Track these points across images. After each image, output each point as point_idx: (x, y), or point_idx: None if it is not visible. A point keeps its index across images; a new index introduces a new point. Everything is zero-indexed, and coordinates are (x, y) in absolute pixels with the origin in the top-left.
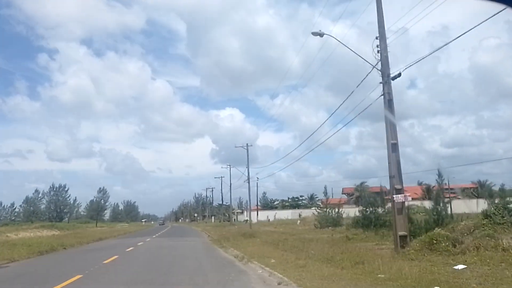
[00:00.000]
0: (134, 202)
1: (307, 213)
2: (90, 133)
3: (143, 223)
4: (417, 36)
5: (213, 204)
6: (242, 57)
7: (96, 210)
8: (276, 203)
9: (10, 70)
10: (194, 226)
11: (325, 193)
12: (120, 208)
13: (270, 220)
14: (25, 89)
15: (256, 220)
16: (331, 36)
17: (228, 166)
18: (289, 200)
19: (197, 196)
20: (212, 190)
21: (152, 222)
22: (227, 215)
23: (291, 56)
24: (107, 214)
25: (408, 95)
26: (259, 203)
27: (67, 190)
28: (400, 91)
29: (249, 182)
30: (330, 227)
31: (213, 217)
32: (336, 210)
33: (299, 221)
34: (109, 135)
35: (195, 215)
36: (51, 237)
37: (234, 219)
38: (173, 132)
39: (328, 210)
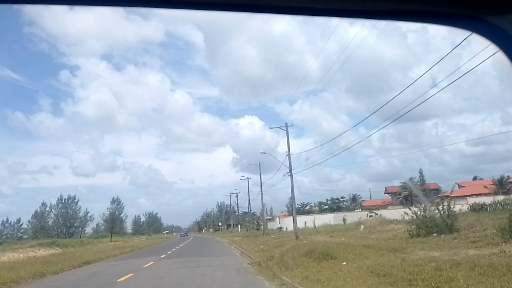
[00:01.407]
0: (156, 213)
1: (352, 216)
2: (113, 147)
3: (165, 234)
4: None
5: (238, 211)
6: (260, 64)
7: (110, 223)
8: (308, 206)
9: (33, 88)
10: (219, 236)
11: (354, 197)
12: (142, 220)
13: (309, 226)
14: (49, 106)
15: (292, 227)
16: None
17: (258, 164)
18: (328, 202)
19: (219, 204)
20: (237, 195)
21: (174, 234)
22: (256, 222)
23: (309, 61)
24: (127, 226)
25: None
26: (285, 209)
27: (77, 202)
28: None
29: (291, 177)
30: (435, 234)
31: (239, 226)
32: (445, 206)
33: (362, 227)
34: (132, 148)
35: (219, 224)
36: (39, 258)
37: (263, 227)
38: (194, 143)
39: (434, 208)
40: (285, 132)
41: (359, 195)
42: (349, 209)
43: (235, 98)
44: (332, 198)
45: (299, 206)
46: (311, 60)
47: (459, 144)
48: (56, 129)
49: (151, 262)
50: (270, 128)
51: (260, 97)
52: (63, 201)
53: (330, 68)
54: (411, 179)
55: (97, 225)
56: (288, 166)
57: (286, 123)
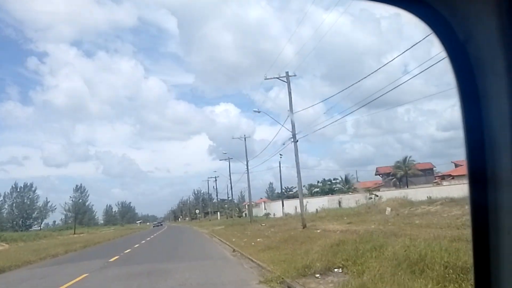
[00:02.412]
0: (130, 203)
1: (348, 199)
2: (85, 136)
3: (138, 224)
4: None
5: (217, 197)
6: (236, 51)
7: (74, 212)
8: (294, 190)
9: (0, 77)
10: (196, 225)
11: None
12: (114, 210)
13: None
14: (17, 95)
15: (282, 214)
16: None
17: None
18: (319, 184)
19: (196, 192)
20: (216, 179)
21: (148, 224)
22: (238, 209)
23: (284, 48)
24: (98, 217)
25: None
26: (265, 195)
27: (34, 190)
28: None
29: (295, 144)
30: None
31: (218, 213)
32: None
33: (389, 209)
34: (105, 137)
35: (197, 211)
36: None
37: (245, 214)
38: (169, 131)
39: None
40: (260, 121)
41: (352, 175)
42: (342, 191)
43: (211, 85)
44: (324, 180)
45: (283, 191)
46: (287, 46)
47: (430, 129)
48: (25, 118)
49: (84, 275)
50: (266, 79)
51: (236, 84)
52: (18, 190)
53: (305, 55)
54: (406, 158)
55: (66, 216)
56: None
57: (287, 72)
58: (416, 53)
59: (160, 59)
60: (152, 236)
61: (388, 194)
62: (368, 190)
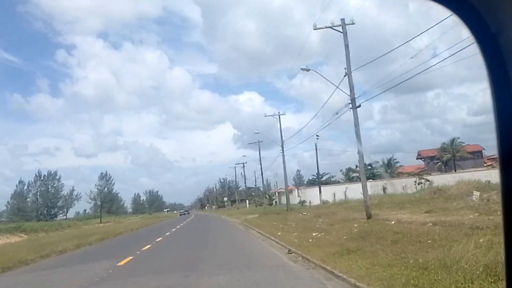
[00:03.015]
0: (157, 191)
1: (394, 184)
2: (113, 127)
3: (166, 213)
4: None
5: (245, 184)
6: (259, 38)
7: (99, 201)
8: (326, 176)
9: (30, 69)
10: (224, 214)
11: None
12: (142, 199)
13: (339, 197)
14: (47, 87)
15: (319, 201)
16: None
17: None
18: (358, 169)
19: (222, 180)
20: (244, 165)
21: (175, 212)
22: (268, 197)
23: (309, 34)
24: (127, 205)
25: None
26: (292, 182)
27: (59, 179)
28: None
29: (355, 110)
30: None
31: (247, 201)
32: None
33: (477, 194)
34: (132, 127)
35: (225, 199)
36: None
37: (276, 202)
38: (194, 120)
39: None
40: (284, 108)
41: (395, 159)
42: (383, 176)
43: (234, 74)
44: (365, 164)
45: (314, 177)
46: (311, 32)
47: (461, 114)
48: (55, 110)
49: None
50: (315, 29)
51: (260, 72)
52: (42, 178)
53: (330, 40)
54: (453, 140)
55: (95, 204)
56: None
57: (343, 20)
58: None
59: (184, 49)
60: (178, 227)
61: (439, 178)
62: (417, 174)
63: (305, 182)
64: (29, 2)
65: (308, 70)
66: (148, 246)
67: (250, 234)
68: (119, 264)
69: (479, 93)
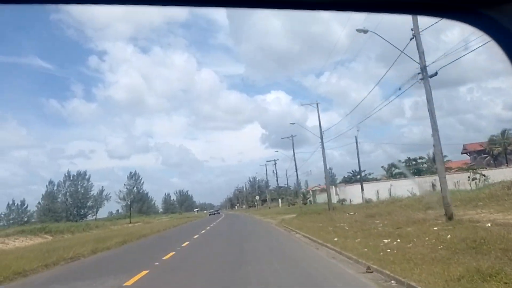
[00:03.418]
0: (187, 191)
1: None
2: (144, 129)
3: (196, 212)
4: None
5: (277, 182)
6: (285, 37)
7: (130, 201)
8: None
9: (64, 76)
10: (257, 214)
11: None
12: (172, 199)
13: (383, 195)
14: (81, 92)
15: (362, 200)
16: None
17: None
18: (401, 163)
19: (251, 180)
20: (275, 162)
21: (205, 212)
22: (302, 195)
23: (335, 31)
24: (158, 205)
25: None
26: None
27: (88, 178)
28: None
29: (427, 82)
30: None
31: (279, 200)
32: None
33: None
34: (162, 129)
35: (256, 198)
36: None
37: (310, 201)
38: (222, 121)
39: None
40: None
41: (445, 155)
42: (431, 172)
43: (261, 74)
44: (408, 159)
45: (350, 175)
46: (338, 29)
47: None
48: (89, 114)
49: None
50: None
51: (286, 71)
52: (71, 178)
53: (357, 36)
54: (505, 131)
55: (126, 204)
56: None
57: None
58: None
59: (211, 51)
60: (208, 228)
61: (496, 173)
62: (472, 169)
63: (337, 181)
64: (61, 10)
65: (366, 32)
66: (172, 254)
67: (296, 239)
68: (126, 283)
69: None
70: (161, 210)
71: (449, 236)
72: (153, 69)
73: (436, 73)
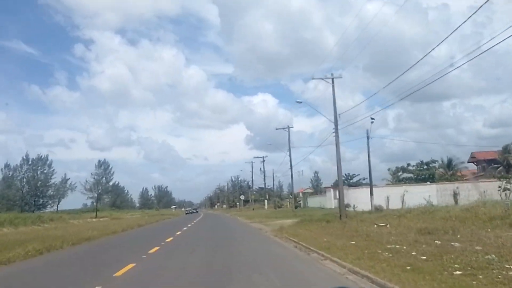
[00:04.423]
0: (166, 187)
1: (465, 189)
2: (127, 122)
3: (173, 210)
4: None
5: (265, 182)
6: (276, 41)
7: (98, 193)
8: (356, 178)
9: (48, 62)
10: (242, 216)
11: (450, 162)
12: (150, 194)
13: (394, 203)
14: (64, 80)
15: (370, 206)
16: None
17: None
18: (411, 167)
19: (233, 179)
20: (264, 160)
21: (183, 209)
22: (293, 197)
23: (326, 38)
24: (135, 200)
25: (449, 75)
26: (310, 185)
27: (50, 164)
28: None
29: None
30: None
31: (266, 201)
32: None
33: None
34: (146, 123)
35: (241, 197)
36: None
37: (301, 204)
38: (207, 119)
39: None
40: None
41: (458, 158)
42: (445, 178)
43: (250, 75)
44: (421, 162)
45: (343, 178)
46: (329, 37)
47: (476, 125)
48: (71, 103)
49: None
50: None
51: (275, 74)
52: (29, 162)
53: (347, 46)
54: None
55: (94, 197)
56: None
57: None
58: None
59: (200, 48)
60: (177, 234)
61: None
62: (505, 177)
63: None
64: None
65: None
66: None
67: (330, 271)
68: None
69: None
70: (137, 205)
71: None
72: (140, 62)
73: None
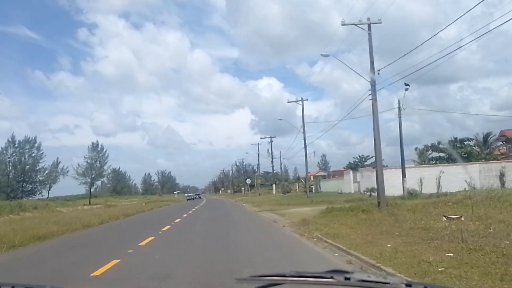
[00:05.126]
0: (169, 172)
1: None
2: (132, 107)
3: (176, 195)
4: None
5: (272, 164)
6: (283, 23)
7: (92, 177)
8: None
9: (51, 47)
10: (248, 203)
11: (486, 138)
12: (153, 180)
13: (429, 185)
14: (68, 65)
15: (401, 191)
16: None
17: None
18: (441, 146)
19: (238, 164)
20: (271, 141)
21: (186, 195)
22: (303, 181)
23: (333, 20)
24: (138, 185)
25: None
26: (318, 168)
27: (38, 147)
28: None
29: None
30: None
31: (274, 185)
32: None
33: None
34: (151, 108)
35: (247, 181)
36: None
37: (312, 189)
38: (212, 104)
39: None
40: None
41: (493, 135)
42: (480, 157)
43: (255, 59)
44: (454, 139)
45: (356, 160)
46: (336, 18)
47: (484, 108)
48: (76, 88)
49: None
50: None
51: (281, 57)
52: (15, 145)
53: (354, 28)
54: None
55: (102, 182)
56: None
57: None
58: None
59: (205, 32)
60: (167, 227)
61: None
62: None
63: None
64: None
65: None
66: None
67: None
68: None
69: None
70: (140, 191)
71: None
72: (145, 46)
73: None
